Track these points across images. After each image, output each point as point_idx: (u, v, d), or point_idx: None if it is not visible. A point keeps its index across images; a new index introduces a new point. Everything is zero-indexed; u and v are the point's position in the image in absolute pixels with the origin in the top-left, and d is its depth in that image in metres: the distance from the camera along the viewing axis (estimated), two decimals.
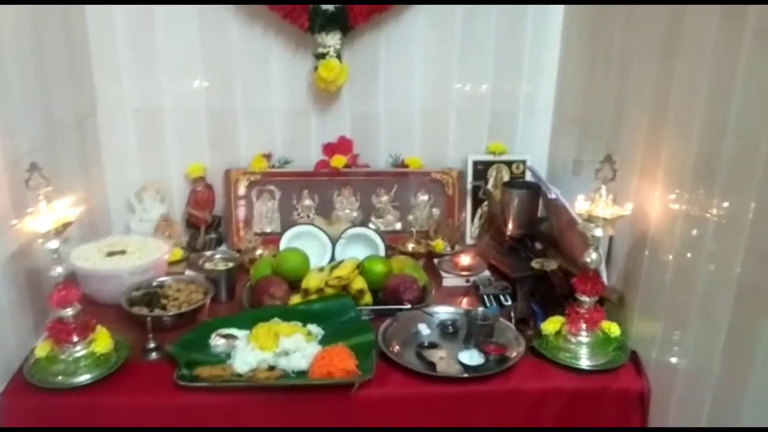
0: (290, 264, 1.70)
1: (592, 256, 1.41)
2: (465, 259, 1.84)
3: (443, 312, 1.60)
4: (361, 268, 1.68)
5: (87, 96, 1.88)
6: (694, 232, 1.21)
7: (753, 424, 1.04)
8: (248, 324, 1.47)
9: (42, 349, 1.36)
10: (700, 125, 1.19)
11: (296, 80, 1.97)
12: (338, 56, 1.87)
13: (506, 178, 2.05)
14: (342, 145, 2.02)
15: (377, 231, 1.87)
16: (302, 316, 1.52)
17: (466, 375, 1.38)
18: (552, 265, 1.69)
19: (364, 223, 1.99)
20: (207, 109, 1.99)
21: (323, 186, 2.02)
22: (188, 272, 1.78)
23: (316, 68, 1.88)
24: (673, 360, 1.29)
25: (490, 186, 2.04)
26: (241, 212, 2.00)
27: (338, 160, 2.00)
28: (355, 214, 2.03)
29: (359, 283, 1.63)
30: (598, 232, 1.38)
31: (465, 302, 1.71)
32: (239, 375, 1.34)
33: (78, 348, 1.35)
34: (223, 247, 1.98)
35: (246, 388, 1.33)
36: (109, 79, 1.91)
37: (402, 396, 1.35)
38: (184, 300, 1.58)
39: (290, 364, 1.36)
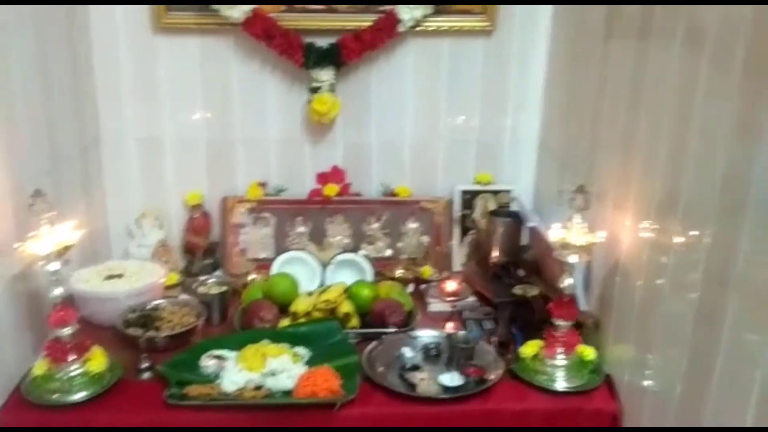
0: (280, 288, 1.76)
1: (566, 282, 1.47)
2: (451, 285, 1.90)
3: (427, 336, 1.66)
4: (348, 292, 1.74)
5: (91, 125, 1.97)
6: (659, 259, 1.27)
7: None
8: (238, 346, 1.53)
9: (39, 367, 1.42)
10: (663, 160, 1.26)
11: (291, 112, 2.05)
12: (332, 90, 1.96)
13: (493, 207, 2.12)
14: (335, 175, 2.10)
15: (366, 257, 1.94)
16: (290, 338, 1.58)
17: (445, 395, 1.43)
18: (533, 291, 1.74)
19: (355, 249, 2.05)
20: (206, 139, 2.07)
21: (316, 213, 2.09)
22: (183, 296, 1.84)
23: (310, 101, 1.97)
24: (643, 382, 1.34)
25: (477, 215, 2.11)
26: (236, 239, 2.07)
27: (331, 189, 2.07)
28: (346, 240, 2.10)
29: (346, 307, 1.70)
30: (572, 259, 1.45)
31: (449, 326, 1.76)
32: (227, 394, 1.40)
33: (74, 367, 1.41)
34: (218, 272, 2.04)
35: (233, 407, 1.38)
36: (113, 109, 2.00)
37: (383, 415, 1.41)
38: (178, 322, 1.65)
39: (277, 384, 1.42)
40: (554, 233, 1.48)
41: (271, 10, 1.91)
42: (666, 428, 1.23)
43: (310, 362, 1.51)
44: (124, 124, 2.03)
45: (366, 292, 1.75)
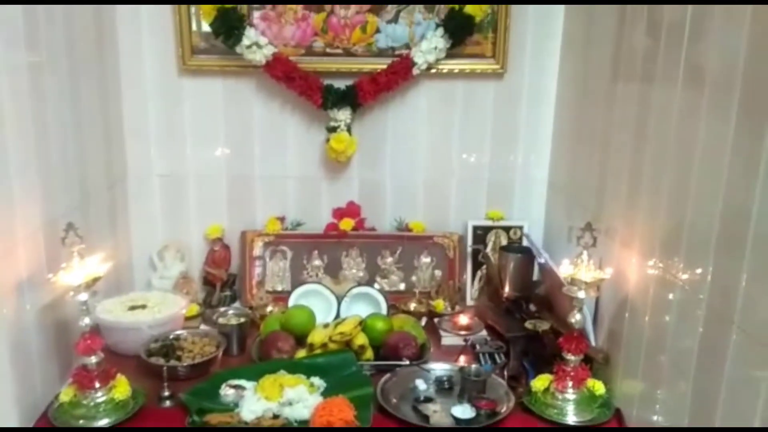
0: (297, 320, 1.82)
1: (576, 317, 1.52)
2: (463, 319, 1.95)
3: (440, 368, 1.69)
4: (363, 325, 1.79)
5: (118, 162, 2.06)
6: (665, 296, 1.31)
7: None
8: (256, 376, 1.58)
9: (66, 393, 1.48)
10: (666, 198, 1.32)
11: (310, 150, 2.14)
12: (348, 129, 2.05)
13: (504, 242, 2.17)
14: (350, 210, 2.17)
15: (380, 290, 1.99)
16: (306, 369, 1.63)
17: (456, 427, 1.47)
18: (544, 326, 1.78)
19: (369, 283, 2.11)
20: (227, 175, 2.16)
21: (332, 247, 2.16)
22: (203, 326, 1.90)
23: (328, 140, 2.06)
24: (652, 417, 1.37)
25: (489, 250, 2.16)
26: (255, 271, 2.14)
27: (346, 224, 2.14)
28: (361, 274, 2.16)
29: (361, 339, 1.74)
30: (581, 294, 1.49)
31: (462, 360, 1.80)
32: (246, 423, 1.45)
33: (99, 394, 1.47)
34: (236, 304, 2.10)
35: None
36: (139, 147, 2.10)
37: None
38: (198, 352, 1.70)
39: (293, 413, 1.47)
40: (563, 269, 1.52)
41: (291, 54, 2.01)
42: None
43: (326, 393, 1.55)
44: (150, 162, 2.12)
45: (380, 325, 1.80)
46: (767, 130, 0.97)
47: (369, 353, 1.75)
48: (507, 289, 2.02)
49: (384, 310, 1.93)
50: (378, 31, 2.02)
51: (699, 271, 1.17)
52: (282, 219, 2.17)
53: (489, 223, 2.18)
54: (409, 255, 2.17)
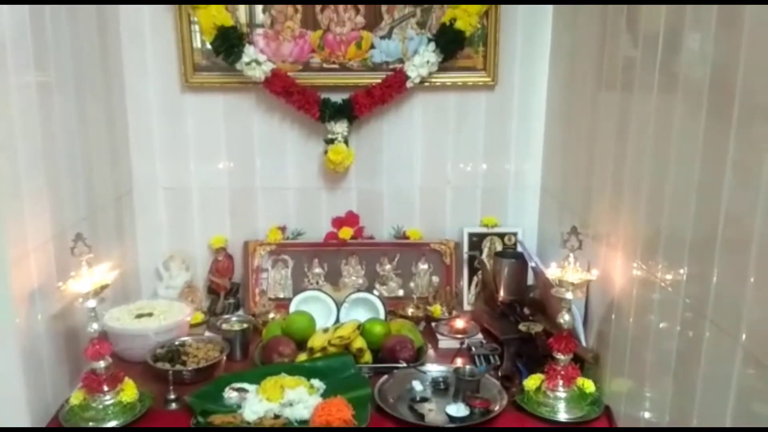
0: (298, 325, 1.88)
1: (564, 318, 1.57)
2: (459, 323, 2.00)
3: (435, 370, 1.75)
4: (361, 329, 1.85)
5: (124, 176, 2.14)
6: (647, 296, 1.37)
7: None
8: (259, 379, 1.63)
9: (76, 397, 1.54)
10: (645, 203, 1.38)
11: (308, 162, 2.22)
12: (345, 141, 2.12)
13: (499, 248, 2.23)
14: (349, 219, 2.24)
15: (378, 296, 2.05)
16: (307, 372, 1.69)
17: (451, 425, 1.52)
18: (537, 328, 1.84)
19: (369, 289, 2.17)
20: (229, 187, 2.24)
21: (332, 255, 2.23)
22: (207, 333, 1.97)
23: (326, 152, 2.13)
24: (638, 413, 1.42)
25: (484, 256, 2.22)
26: (257, 279, 2.20)
27: (346, 232, 2.21)
28: (360, 281, 2.22)
29: (359, 343, 1.80)
30: (569, 295, 1.55)
31: (458, 362, 1.85)
32: (248, 423, 1.50)
33: (108, 397, 1.53)
34: (240, 312, 2.16)
35: None
36: (144, 161, 2.18)
37: None
38: (202, 357, 1.76)
39: (293, 414, 1.53)
40: (551, 272, 1.58)
41: (290, 69, 2.09)
42: None
43: (325, 394, 1.60)
44: (155, 175, 2.20)
45: (378, 329, 1.86)
46: (731, 137, 1.03)
47: (367, 356, 1.80)
48: (502, 293, 2.08)
49: (382, 315, 1.99)
50: (372, 46, 2.10)
51: (676, 270, 1.23)
52: (283, 229, 2.24)
53: (484, 230, 2.24)
54: (407, 262, 2.23)
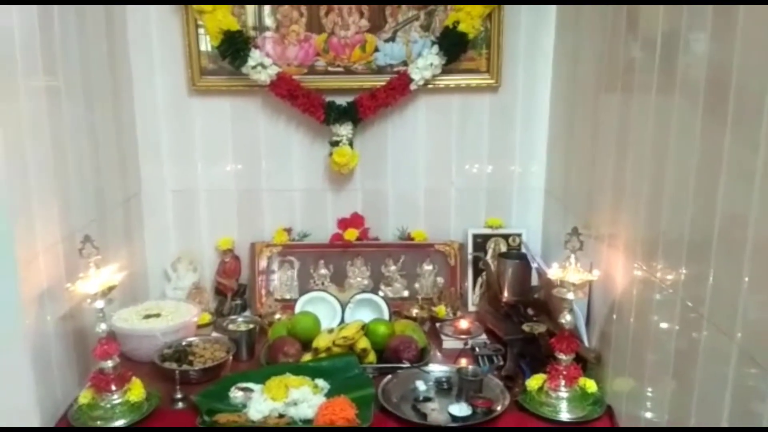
0: (303, 326, 1.90)
1: (566, 318, 1.58)
2: (464, 324, 2.01)
3: (439, 370, 1.76)
4: (366, 329, 1.86)
5: (133, 178, 2.17)
6: (647, 296, 1.37)
7: None
8: (264, 379, 1.65)
9: (85, 396, 1.57)
10: (645, 204, 1.38)
11: (314, 164, 2.24)
12: (350, 143, 2.14)
13: (504, 249, 2.24)
14: (354, 220, 2.26)
15: (382, 297, 2.07)
16: (311, 371, 1.71)
17: (453, 425, 1.54)
18: (540, 328, 1.84)
19: (374, 290, 2.18)
20: (236, 190, 2.26)
21: (337, 257, 2.25)
22: (214, 333, 1.99)
23: (331, 154, 2.15)
24: (639, 413, 1.43)
25: (488, 257, 2.23)
26: (263, 280, 2.23)
27: (351, 234, 2.23)
28: (366, 282, 2.24)
29: (363, 343, 1.82)
30: (570, 296, 1.56)
31: (462, 362, 1.86)
32: (253, 422, 1.53)
33: (115, 396, 1.56)
34: (247, 313, 2.19)
35: None
36: (153, 163, 2.22)
37: None
38: (209, 357, 1.78)
39: (298, 413, 1.55)
40: (552, 272, 1.59)
41: (295, 73, 2.11)
42: None
43: (329, 394, 1.62)
44: (162, 178, 2.23)
45: (382, 330, 1.88)
46: (726, 138, 1.04)
47: (371, 356, 1.82)
48: (506, 294, 2.09)
49: (386, 316, 2.00)
50: (377, 49, 2.12)
51: (675, 271, 1.24)
52: (289, 230, 2.26)
53: (488, 231, 2.25)
54: (412, 263, 2.24)
